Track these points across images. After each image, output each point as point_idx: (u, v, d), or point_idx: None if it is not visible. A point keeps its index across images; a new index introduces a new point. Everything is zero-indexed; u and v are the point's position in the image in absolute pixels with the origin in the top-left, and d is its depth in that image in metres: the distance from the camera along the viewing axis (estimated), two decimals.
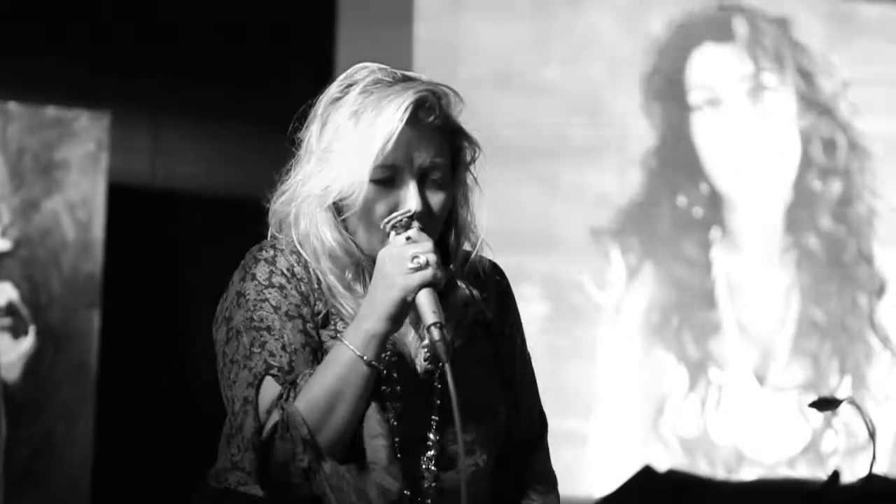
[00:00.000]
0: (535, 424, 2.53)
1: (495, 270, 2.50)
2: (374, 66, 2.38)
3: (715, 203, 5.95)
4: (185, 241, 5.61)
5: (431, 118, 2.33)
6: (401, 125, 2.28)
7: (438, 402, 2.35)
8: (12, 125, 5.12)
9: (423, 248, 2.23)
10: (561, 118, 5.82)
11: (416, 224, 2.29)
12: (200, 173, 5.72)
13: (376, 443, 2.27)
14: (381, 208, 2.32)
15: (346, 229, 2.35)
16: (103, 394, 5.17)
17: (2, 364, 4.85)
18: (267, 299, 2.31)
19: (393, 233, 2.28)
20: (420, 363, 2.36)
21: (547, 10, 5.89)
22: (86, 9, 5.56)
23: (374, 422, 2.27)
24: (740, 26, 6.02)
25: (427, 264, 2.22)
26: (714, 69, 6.01)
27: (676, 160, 5.94)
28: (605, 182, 5.84)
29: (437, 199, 2.34)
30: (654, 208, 5.90)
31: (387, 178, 2.31)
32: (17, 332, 5.03)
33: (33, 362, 5.03)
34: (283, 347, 2.28)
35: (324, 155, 2.34)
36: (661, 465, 4.90)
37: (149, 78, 5.59)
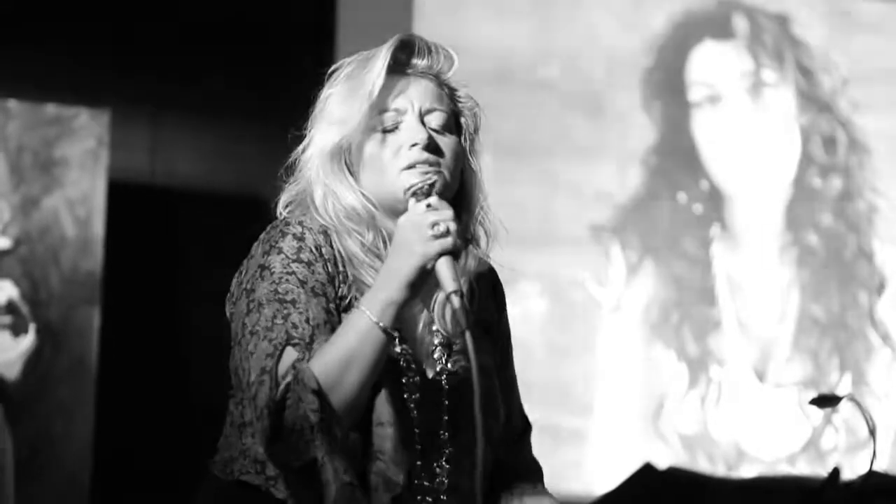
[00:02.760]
0: (521, 422, 2.55)
1: (490, 269, 2.49)
2: None
3: (715, 200, 5.95)
4: (184, 239, 5.61)
5: (423, 61, 2.37)
6: (387, 60, 2.32)
7: (447, 401, 2.35)
8: (12, 123, 5.12)
9: (444, 216, 2.21)
10: (561, 115, 5.82)
11: (436, 193, 2.28)
12: (200, 170, 5.72)
13: (383, 431, 2.25)
14: (388, 152, 2.33)
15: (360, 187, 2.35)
16: (103, 391, 5.18)
17: (1, 362, 4.85)
18: (294, 272, 2.28)
19: (413, 199, 2.27)
20: (430, 364, 2.36)
21: (547, 7, 5.89)
22: (85, 6, 5.55)
23: (383, 408, 2.26)
24: (740, 23, 6.02)
25: (447, 232, 2.19)
26: (714, 66, 6.01)
27: (676, 157, 5.94)
28: (605, 179, 5.84)
29: (445, 141, 2.36)
30: (654, 205, 5.90)
31: (391, 126, 2.34)
32: (17, 330, 5.02)
33: (33, 360, 5.03)
34: (308, 321, 2.25)
35: (321, 115, 2.37)
36: (662, 463, 4.90)
37: (148, 75, 5.59)
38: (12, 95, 5.19)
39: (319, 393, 2.16)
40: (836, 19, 6.08)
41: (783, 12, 6.05)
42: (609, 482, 4.90)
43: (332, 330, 2.26)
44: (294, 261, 2.29)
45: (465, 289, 2.22)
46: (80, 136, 5.19)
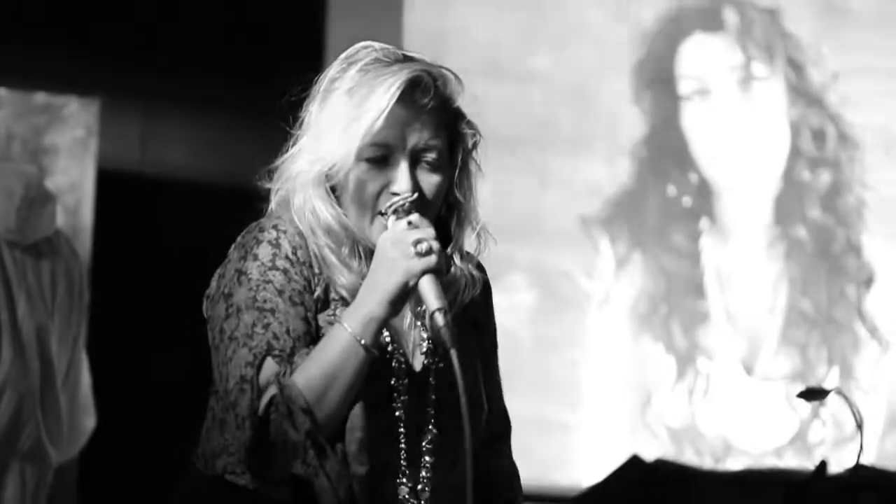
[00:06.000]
0: (503, 422, 2.54)
1: (478, 267, 2.48)
2: (377, 45, 2.35)
3: (704, 193, 5.95)
4: (173, 228, 5.61)
5: (426, 99, 2.31)
6: (391, 103, 2.26)
7: (434, 396, 2.35)
8: (1, 111, 5.11)
9: (427, 234, 2.21)
10: (550, 107, 5.82)
11: (416, 211, 2.26)
12: (189, 160, 5.72)
13: (351, 435, 2.27)
14: (372, 187, 2.30)
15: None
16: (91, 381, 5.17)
17: None
18: (271, 281, 2.27)
19: (393, 217, 2.25)
20: (418, 358, 2.36)
21: None
22: None
23: (353, 412, 2.26)
24: (730, 16, 6.02)
25: (431, 250, 2.19)
26: (704, 59, 6.01)
27: (666, 150, 5.94)
28: (594, 171, 5.84)
29: (430, 180, 2.32)
30: (643, 198, 5.90)
31: (379, 157, 2.29)
32: None
33: None
34: (287, 332, 2.24)
35: (316, 130, 2.32)
36: (649, 455, 4.91)
37: (139, 65, 5.58)
38: (1, 83, 5.18)
39: (309, 411, 2.17)
40: (827, 13, 6.08)
41: (774, 6, 6.05)
42: (596, 474, 4.91)
43: (312, 340, 2.26)
44: (270, 268, 2.28)
45: (447, 304, 2.21)
46: (70, 124, 5.18)
